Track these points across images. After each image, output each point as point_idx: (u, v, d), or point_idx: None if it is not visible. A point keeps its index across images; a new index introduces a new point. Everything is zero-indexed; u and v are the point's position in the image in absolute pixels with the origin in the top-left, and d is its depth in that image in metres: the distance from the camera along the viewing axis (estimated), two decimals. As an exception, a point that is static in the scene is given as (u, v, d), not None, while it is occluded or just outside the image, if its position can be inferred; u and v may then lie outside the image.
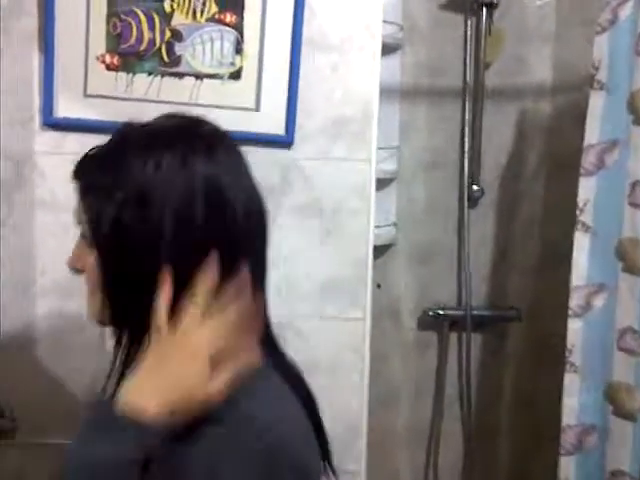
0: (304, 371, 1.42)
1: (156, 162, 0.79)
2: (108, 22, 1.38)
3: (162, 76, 1.40)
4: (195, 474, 0.76)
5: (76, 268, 0.86)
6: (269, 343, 0.90)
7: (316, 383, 1.49)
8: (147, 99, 1.41)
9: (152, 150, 0.81)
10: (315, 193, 1.45)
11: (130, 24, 1.38)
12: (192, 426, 0.76)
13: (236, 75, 1.41)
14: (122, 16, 1.38)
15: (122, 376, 0.88)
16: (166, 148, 0.81)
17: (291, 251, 1.47)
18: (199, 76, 1.41)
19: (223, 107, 1.42)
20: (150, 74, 1.40)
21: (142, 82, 1.40)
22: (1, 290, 1.41)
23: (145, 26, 1.38)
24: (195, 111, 1.38)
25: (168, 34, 1.39)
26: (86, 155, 0.85)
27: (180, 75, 1.40)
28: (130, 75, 1.40)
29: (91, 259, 0.83)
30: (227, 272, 0.79)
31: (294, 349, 1.49)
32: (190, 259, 0.79)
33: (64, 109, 1.40)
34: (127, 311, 0.83)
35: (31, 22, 1.38)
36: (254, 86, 1.42)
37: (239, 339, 0.77)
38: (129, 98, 1.40)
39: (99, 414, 0.77)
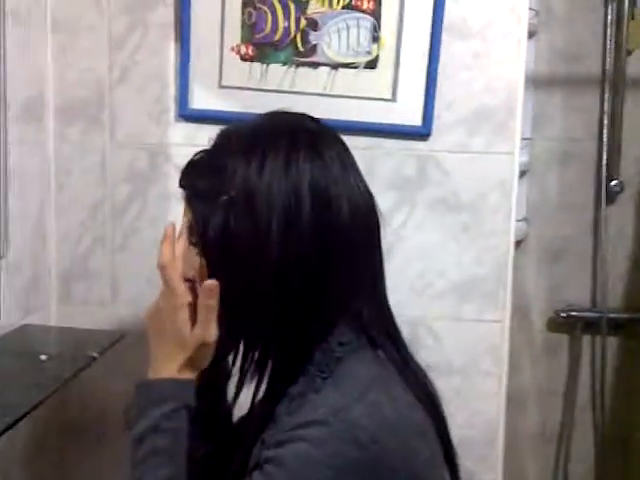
0: (437, 374, 1.37)
1: (259, 163, 0.78)
2: (243, 12, 1.35)
3: (297, 66, 1.37)
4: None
5: (189, 279, 0.84)
6: (395, 342, 0.85)
7: (450, 387, 1.44)
8: (281, 90, 1.38)
9: (255, 151, 0.79)
10: (453, 187, 1.39)
11: (265, 13, 1.35)
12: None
13: (372, 64, 1.36)
14: (257, 5, 1.35)
15: (241, 385, 0.86)
16: (269, 148, 0.79)
17: (426, 247, 1.41)
18: (334, 66, 1.36)
19: (358, 98, 1.37)
20: (285, 64, 1.37)
21: (276, 72, 1.37)
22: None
23: (280, 15, 1.35)
24: (330, 102, 1.38)
25: (303, 22, 1.35)
26: (190, 162, 0.85)
27: (315, 65, 1.37)
28: (264, 65, 1.37)
29: (202, 268, 0.81)
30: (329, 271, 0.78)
31: (427, 350, 1.44)
32: (295, 258, 0.77)
33: (199, 101, 1.39)
34: (242, 319, 0.81)
35: (167, 13, 1.37)
36: (391, 75, 1.36)
37: None
38: (263, 89, 1.38)
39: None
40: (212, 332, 0.80)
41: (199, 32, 1.36)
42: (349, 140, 1.37)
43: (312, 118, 0.87)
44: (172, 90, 1.40)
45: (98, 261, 1.46)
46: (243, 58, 1.37)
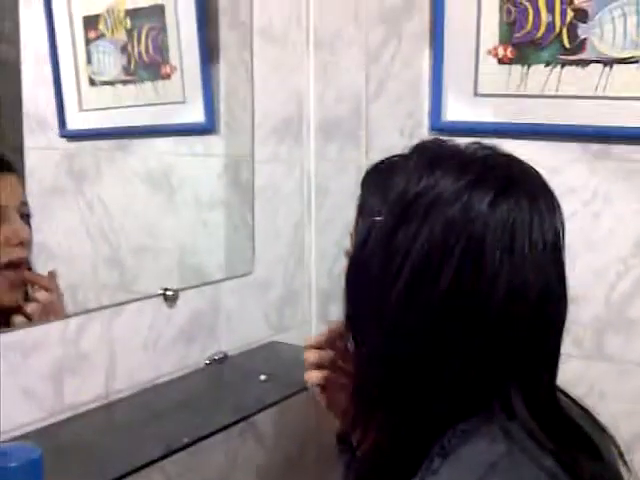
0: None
1: (429, 185, 0.64)
2: (501, 9, 1.21)
3: (562, 66, 1.17)
4: None
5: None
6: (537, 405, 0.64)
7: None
8: (544, 94, 1.19)
9: (432, 171, 0.65)
10: None
11: (526, 8, 1.18)
12: None
13: (658, 57, 1.11)
14: (517, 0, 1.19)
15: None
16: (448, 176, 0.64)
17: None
18: (608, 62, 1.14)
19: (634, 99, 1.13)
20: (548, 64, 1.18)
21: (538, 75, 1.19)
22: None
23: (543, 8, 1.17)
24: (603, 105, 1.16)
25: (570, 14, 1.15)
26: (372, 167, 0.74)
27: (584, 63, 1.16)
28: (525, 68, 1.20)
29: None
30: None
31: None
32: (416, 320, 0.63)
33: (453, 112, 1.27)
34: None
35: (422, 21, 1.28)
36: (683, 69, 1.10)
37: None
38: (523, 94, 1.21)
39: None
40: None
41: (453, 38, 1.24)
42: (628, 151, 1.15)
43: (525, 165, 0.69)
44: (426, 102, 1.30)
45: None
46: (501, 61, 1.22)
